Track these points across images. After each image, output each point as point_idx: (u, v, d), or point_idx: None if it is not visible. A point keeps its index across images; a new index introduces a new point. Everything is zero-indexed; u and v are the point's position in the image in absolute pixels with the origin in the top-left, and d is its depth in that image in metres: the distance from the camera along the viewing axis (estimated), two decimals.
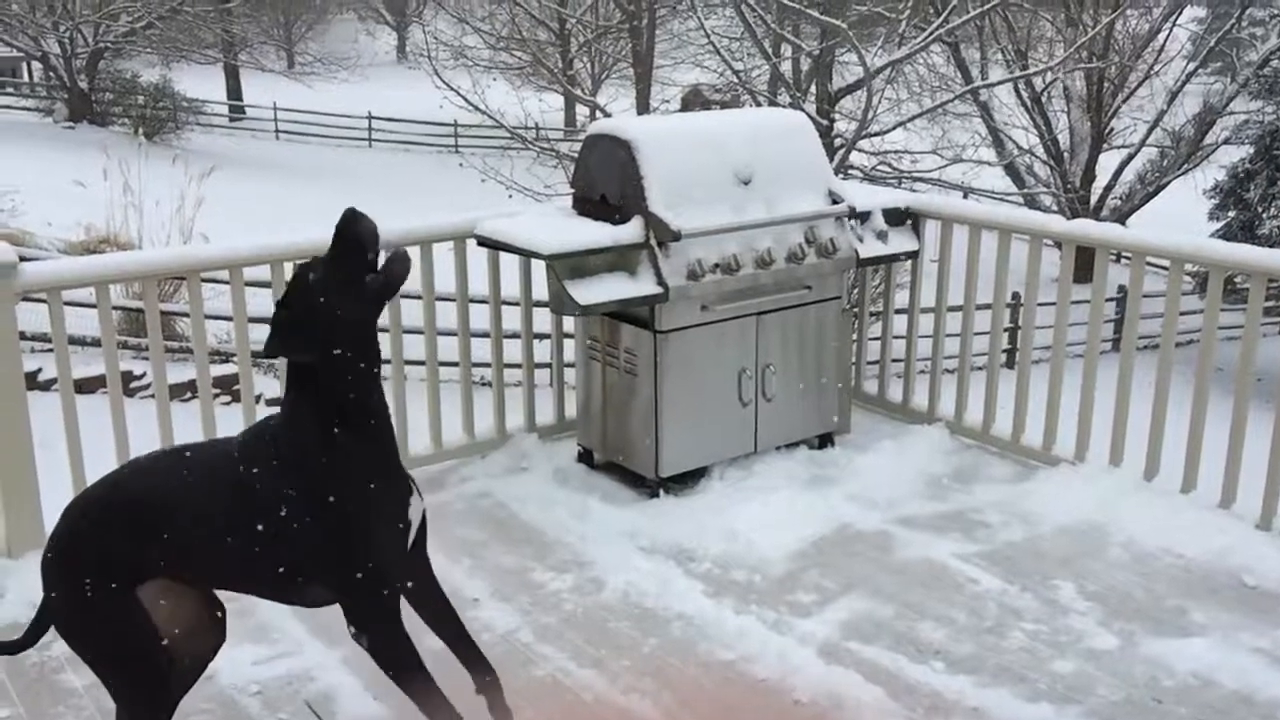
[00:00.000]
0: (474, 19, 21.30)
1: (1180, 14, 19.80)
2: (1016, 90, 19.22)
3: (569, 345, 5.02)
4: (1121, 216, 19.28)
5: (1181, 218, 17.97)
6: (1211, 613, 3.73)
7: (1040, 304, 5.01)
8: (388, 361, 4.75)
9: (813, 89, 15.53)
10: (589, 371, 4.74)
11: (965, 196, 16.35)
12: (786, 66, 15.96)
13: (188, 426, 4.11)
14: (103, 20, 27.50)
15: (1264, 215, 17.80)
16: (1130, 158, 20.00)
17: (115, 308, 6.14)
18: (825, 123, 13.66)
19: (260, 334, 3.04)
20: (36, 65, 31.77)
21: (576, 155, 4.95)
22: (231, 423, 3.58)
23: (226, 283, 5.14)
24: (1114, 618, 3.70)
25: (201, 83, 31.98)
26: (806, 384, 4.84)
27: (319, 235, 3.50)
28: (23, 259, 3.90)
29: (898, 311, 5.54)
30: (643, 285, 4.30)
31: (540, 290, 4.55)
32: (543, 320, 5.12)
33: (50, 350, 4.12)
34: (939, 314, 5.20)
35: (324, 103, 33.44)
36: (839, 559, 4.08)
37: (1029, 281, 4.82)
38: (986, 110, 18.34)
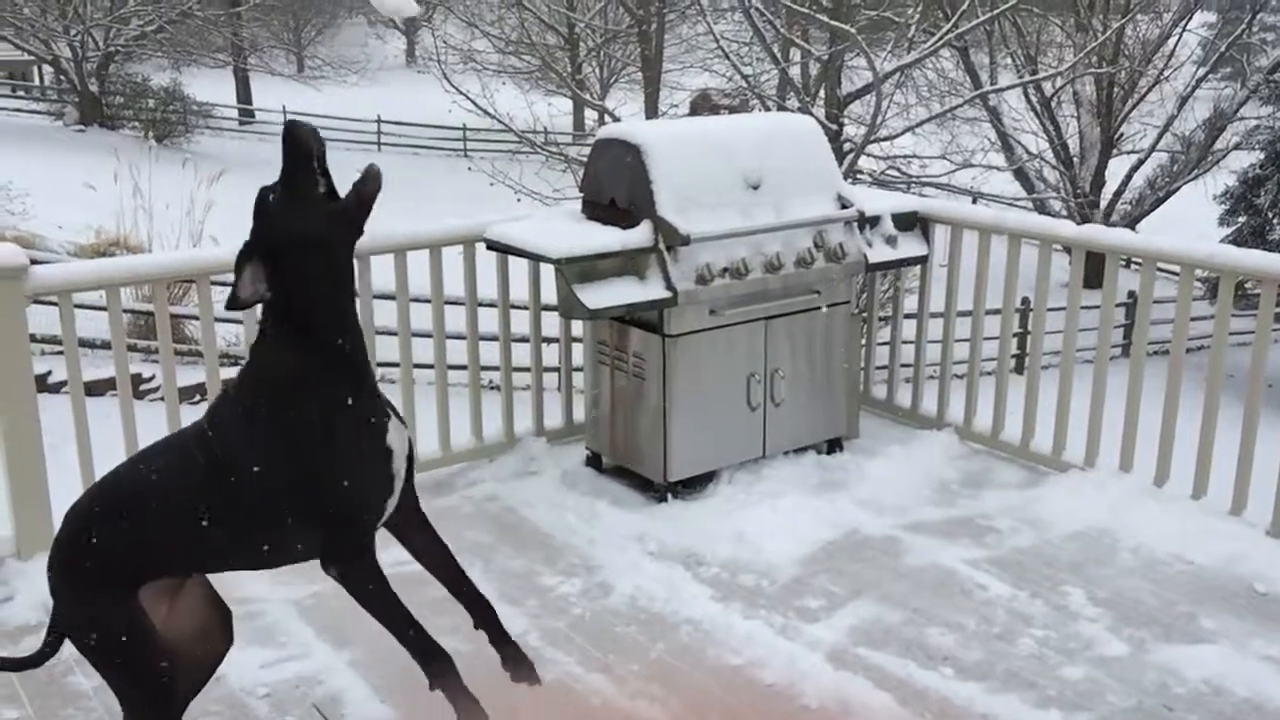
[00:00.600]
0: (483, 23, 21.34)
1: (1190, 19, 19.74)
2: (1026, 95, 19.19)
3: (577, 349, 5.02)
4: (1131, 222, 19.23)
5: (1192, 223, 17.95)
6: (1222, 620, 3.71)
7: (1050, 309, 5.00)
8: (395, 364, 4.80)
9: (821, 94, 15.52)
10: (597, 375, 4.74)
11: (974, 201, 16.31)
12: (795, 71, 15.93)
13: None
14: (113, 24, 27.56)
15: (1275, 220, 17.72)
16: (1140, 163, 19.95)
17: (125, 310, 6.15)
18: (834, 127, 13.64)
19: None
20: (47, 69, 31.86)
21: (585, 159, 4.95)
22: None
23: None
24: (1124, 624, 3.69)
25: (211, 86, 32.07)
26: (815, 389, 4.83)
27: None
28: (33, 262, 3.91)
29: (907, 316, 5.53)
30: (651, 289, 4.29)
31: (549, 294, 4.55)
32: (551, 324, 5.12)
33: (60, 353, 4.13)
34: (948, 319, 5.17)
35: (333, 106, 33.47)
36: (847, 564, 4.08)
37: (1039, 286, 4.81)
38: (996, 115, 18.31)
